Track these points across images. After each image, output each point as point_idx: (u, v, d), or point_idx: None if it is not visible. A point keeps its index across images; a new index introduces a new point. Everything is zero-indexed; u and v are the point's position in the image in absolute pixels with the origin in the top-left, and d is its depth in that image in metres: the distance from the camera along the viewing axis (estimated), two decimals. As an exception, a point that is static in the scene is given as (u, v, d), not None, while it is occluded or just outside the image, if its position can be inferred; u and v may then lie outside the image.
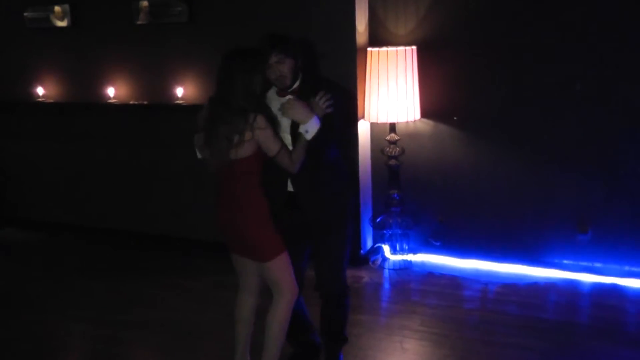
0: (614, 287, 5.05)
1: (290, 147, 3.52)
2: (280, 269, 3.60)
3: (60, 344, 4.66)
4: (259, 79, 3.46)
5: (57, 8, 6.33)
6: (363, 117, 5.41)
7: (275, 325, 3.66)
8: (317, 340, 4.05)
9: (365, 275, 5.40)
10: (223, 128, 3.39)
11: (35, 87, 6.63)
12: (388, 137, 5.37)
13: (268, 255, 3.56)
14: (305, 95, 3.54)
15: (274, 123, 3.50)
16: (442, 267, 5.53)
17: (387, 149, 5.38)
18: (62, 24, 6.38)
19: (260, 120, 3.37)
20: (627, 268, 5.12)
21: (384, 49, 5.16)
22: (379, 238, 5.68)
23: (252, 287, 3.79)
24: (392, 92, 5.14)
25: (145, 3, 5.94)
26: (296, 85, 3.60)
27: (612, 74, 4.92)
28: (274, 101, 3.61)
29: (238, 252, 3.68)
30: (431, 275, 5.42)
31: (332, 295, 3.85)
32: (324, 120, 3.48)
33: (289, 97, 3.53)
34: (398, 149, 5.38)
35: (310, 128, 3.43)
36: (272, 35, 3.62)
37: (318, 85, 3.60)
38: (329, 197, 3.69)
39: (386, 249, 5.64)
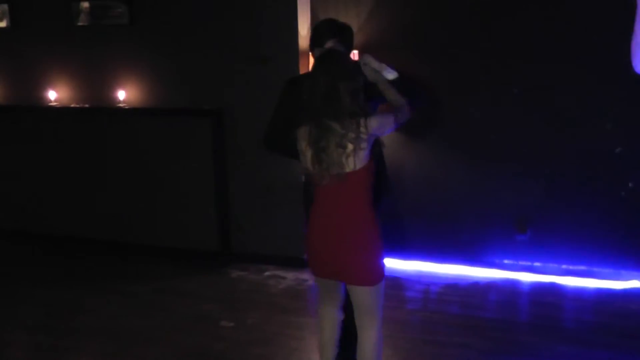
0: (553, 286, 5.17)
1: None
2: (379, 295, 3.32)
3: (1, 354, 4.56)
4: (361, 80, 3.22)
5: (-5, 8, 6.22)
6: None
7: (374, 356, 3.37)
8: None
9: (309, 278, 5.41)
10: (335, 139, 3.09)
11: (-27, 89, 6.50)
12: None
13: (377, 278, 3.27)
14: None
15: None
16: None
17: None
18: (1, 24, 6.26)
19: (371, 120, 3.10)
20: (565, 267, 5.24)
21: (326, 52, 5.17)
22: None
23: (335, 298, 3.49)
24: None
25: (85, 4, 5.87)
26: None
27: (548, 76, 5.03)
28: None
29: (333, 278, 3.35)
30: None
31: None
32: None
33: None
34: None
35: (390, 73, 3.53)
36: (333, 22, 3.76)
37: None
38: None
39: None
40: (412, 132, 5.41)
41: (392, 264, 5.61)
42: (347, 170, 3.12)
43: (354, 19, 5.33)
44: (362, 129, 3.07)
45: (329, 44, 3.64)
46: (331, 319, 3.52)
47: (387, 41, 5.33)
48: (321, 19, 3.82)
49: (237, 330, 4.61)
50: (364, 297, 3.30)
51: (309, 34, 3.77)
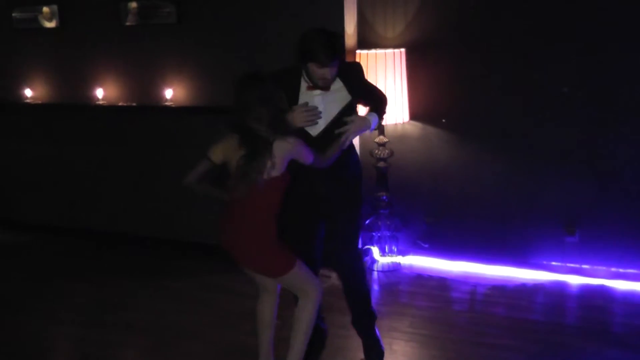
0: (602, 289, 5.08)
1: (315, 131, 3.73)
2: (298, 277, 3.66)
3: (46, 347, 4.64)
4: (280, 102, 3.46)
5: (45, 9, 6.31)
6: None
7: (303, 324, 3.72)
8: (322, 326, 4.21)
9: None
10: (257, 158, 3.38)
11: (24, 88, 6.60)
12: (377, 139, 5.38)
13: (282, 270, 3.61)
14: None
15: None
16: (431, 269, 5.55)
17: (376, 151, 5.39)
18: (50, 24, 6.36)
19: (292, 139, 3.43)
20: (614, 269, 5.15)
21: (373, 51, 5.16)
22: (367, 240, 5.68)
23: (270, 287, 3.83)
24: (381, 94, 5.15)
25: (133, 4, 5.93)
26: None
27: (600, 76, 4.94)
28: (303, 97, 3.75)
29: (250, 269, 3.73)
30: (420, 277, 5.43)
31: (343, 266, 4.02)
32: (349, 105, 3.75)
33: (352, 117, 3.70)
34: (387, 151, 5.39)
35: (373, 125, 3.74)
36: (331, 41, 3.61)
37: (345, 73, 3.77)
38: (347, 176, 3.87)
39: (375, 251, 5.65)
40: (458, 132, 5.37)
41: (438, 264, 5.59)
42: (264, 178, 3.40)
43: (401, 17, 5.31)
44: (283, 149, 3.38)
45: (327, 65, 3.65)
46: (266, 307, 3.86)
47: (435, 39, 5.29)
48: (313, 31, 3.73)
49: (282, 327, 4.60)
50: (284, 283, 3.72)
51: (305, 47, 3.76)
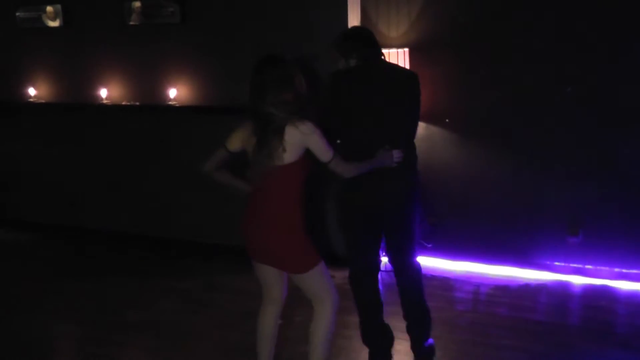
0: (605, 289, 5.08)
1: None
2: (319, 279, 3.52)
3: (51, 346, 4.65)
4: (299, 86, 3.35)
5: (49, 8, 6.33)
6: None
7: (321, 336, 3.57)
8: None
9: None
10: (267, 136, 3.29)
11: (27, 87, 6.62)
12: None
13: (304, 267, 3.47)
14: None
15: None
16: (434, 269, 5.54)
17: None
18: (54, 24, 6.37)
19: (304, 126, 3.27)
20: (617, 270, 5.14)
21: (377, 51, 5.15)
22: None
23: (275, 297, 3.68)
24: (384, 94, 5.14)
25: (137, 3, 5.94)
26: None
27: (603, 76, 4.94)
28: None
29: (267, 263, 3.54)
30: (423, 277, 5.41)
31: (408, 277, 4.05)
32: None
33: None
34: (390, 151, 5.38)
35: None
36: (357, 37, 3.79)
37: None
38: (400, 184, 3.82)
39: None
40: (461, 132, 5.37)
41: (441, 264, 5.58)
42: (276, 164, 3.30)
43: (405, 17, 5.31)
44: (294, 133, 3.25)
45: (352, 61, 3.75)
46: (268, 319, 3.70)
47: (439, 39, 5.29)
48: (350, 29, 3.85)
49: (285, 327, 4.60)
50: (301, 283, 3.53)
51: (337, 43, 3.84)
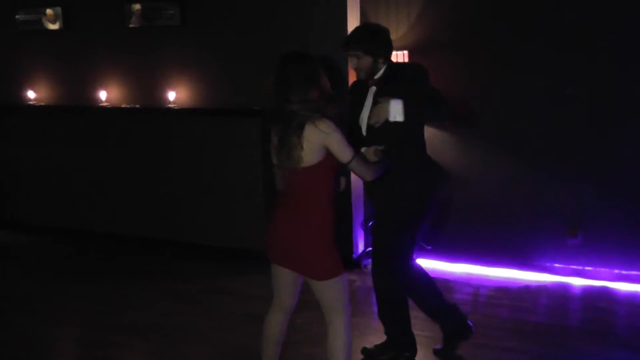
0: (604, 290, 5.09)
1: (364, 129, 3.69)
2: (339, 289, 3.42)
3: (49, 348, 4.64)
4: (318, 83, 3.27)
5: (49, 11, 6.33)
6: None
7: (340, 350, 3.47)
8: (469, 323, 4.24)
9: (357, 279, 5.41)
10: (286, 135, 3.22)
11: (27, 90, 6.62)
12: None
13: (330, 273, 3.36)
14: (386, 84, 3.76)
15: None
16: (434, 271, 5.53)
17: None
18: (54, 26, 6.37)
19: (324, 125, 3.19)
20: (616, 271, 5.15)
21: (376, 53, 5.15)
22: (370, 242, 5.68)
23: (286, 305, 3.60)
24: (384, 96, 5.15)
25: (137, 6, 5.94)
26: (378, 77, 3.78)
27: (603, 76, 4.95)
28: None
29: (290, 267, 3.44)
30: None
31: (378, 290, 4.02)
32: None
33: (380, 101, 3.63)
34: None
35: (396, 111, 3.53)
36: (359, 30, 3.78)
37: (397, 75, 3.77)
38: (399, 193, 3.82)
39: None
40: (461, 134, 5.37)
41: (441, 266, 5.59)
42: (300, 166, 3.22)
43: (404, 19, 5.32)
44: (313, 132, 3.17)
45: (349, 52, 3.74)
46: (275, 325, 3.63)
47: (438, 40, 5.30)
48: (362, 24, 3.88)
49: (287, 330, 4.61)
50: (322, 291, 3.40)
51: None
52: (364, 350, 4.23)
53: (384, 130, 3.63)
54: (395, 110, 3.53)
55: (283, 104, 3.23)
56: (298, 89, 3.20)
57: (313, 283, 3.42)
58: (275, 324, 3.63)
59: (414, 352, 4.15)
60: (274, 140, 3.33)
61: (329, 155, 3.25)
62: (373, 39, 3.75)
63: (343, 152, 3.24)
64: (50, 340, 4.72)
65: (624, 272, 5.13)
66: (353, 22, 5.34)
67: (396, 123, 3.57)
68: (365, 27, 3.83)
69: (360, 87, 3.90)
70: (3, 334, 4.80)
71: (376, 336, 4.44)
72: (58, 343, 4.74)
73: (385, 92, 3.66)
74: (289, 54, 3.31)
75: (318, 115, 3.20)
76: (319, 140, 3.19)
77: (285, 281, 3.51)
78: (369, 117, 3.65)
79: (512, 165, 5.30)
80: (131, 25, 6.04)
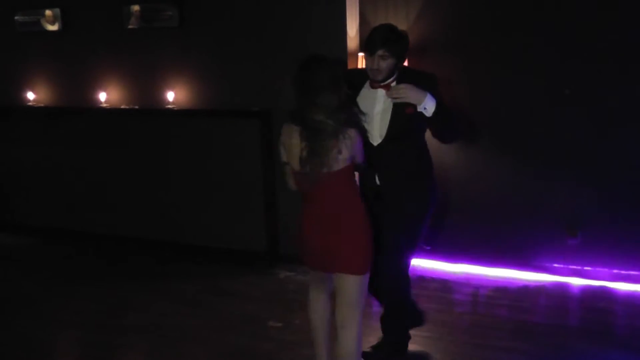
0: (604, 290, 5.09)
1: (379, 132, 3.69)
2: (364, 285, 3.51)
3: (48, 350, 4.65)
4: (340, 88, 3.34)
5: (48, 12, 6.32)
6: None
7: (355, 342, 3.54)
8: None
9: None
10: (318, 141, 3.29)
11: (26, 91, 6.62)
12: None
13: (365, 267, 3.47)
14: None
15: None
16: (433, 271, 5.55)
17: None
18: (53, 28, 6.37)
19: (353, 131, 3.33)
20: (616, 271, 5.15)
21: (375, 53, 5.16)
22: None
23: (326, 287, 3.71)
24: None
25: (136, 7, 5.94)
26: (390, 80, 3.75)
27: (603, 77, 4.95)
28: (366, 96, 3.79)
29: (329, 270, 3.54)
30: (422, 279, 5.44)
31: (383, 290, 4.02)
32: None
33: (394, 85, 3.66)
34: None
35: (428, 105, 3.59)
36: (388, 31, 3.72)
37: (413, 80, 3.71)
38: (410, 194, 3.85)
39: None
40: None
41: (440, 266, 5.59)
42: (328, 170, 3.31)
43: (403, 20, 5.32)
44: (341, 140, 3.28)
45: (379, 52, 3.67)
46: (321, 302, 3.73)
47: (437, 41, 5.30)
48: (380, 24, 3.84)
49: (285, 330, 4.62)
50: (348, 286, 3.46)
51: (366, 37, 3.81)
52: (364, 354, 4.23)
53: (400, 125, 3.70)
54: (428, 103, 3.61)
55: (309, 107, 3.30)
56: (322, 92, 3.26)
57: (342, 277, 3.48)
58: (322, 304, 3.73)
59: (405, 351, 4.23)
60: (293, 143, 3.38)
61: (352, 157, 3.38)
62: (401, 41, 3.75)
63: (361, 153, 3.43)
64: (51, 341, 4.73)
65: (623, 272, 5.14)
66: (352, 23, 5.34)
67: (407, 121, 3.67)
68: (391, 28, 3.78)
69: (354, 78, 3.83)
70: (4, 335, 4.81)
71: (376, 337, 4.44)
72: (58, 345, 4.74)
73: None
74: (311, 57, 3.37)
75: (347, 124, 3.31)
76: (350, 147, 3.31)
77: (322, 274, 3.64)
78: (391, 88, 3.64)
79: (511, 165, 5.30)
80: (130, 27, 6.03)
